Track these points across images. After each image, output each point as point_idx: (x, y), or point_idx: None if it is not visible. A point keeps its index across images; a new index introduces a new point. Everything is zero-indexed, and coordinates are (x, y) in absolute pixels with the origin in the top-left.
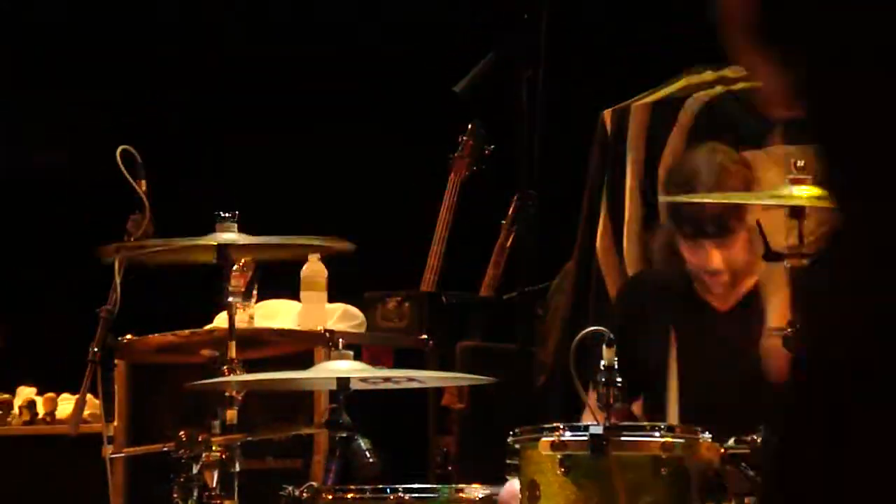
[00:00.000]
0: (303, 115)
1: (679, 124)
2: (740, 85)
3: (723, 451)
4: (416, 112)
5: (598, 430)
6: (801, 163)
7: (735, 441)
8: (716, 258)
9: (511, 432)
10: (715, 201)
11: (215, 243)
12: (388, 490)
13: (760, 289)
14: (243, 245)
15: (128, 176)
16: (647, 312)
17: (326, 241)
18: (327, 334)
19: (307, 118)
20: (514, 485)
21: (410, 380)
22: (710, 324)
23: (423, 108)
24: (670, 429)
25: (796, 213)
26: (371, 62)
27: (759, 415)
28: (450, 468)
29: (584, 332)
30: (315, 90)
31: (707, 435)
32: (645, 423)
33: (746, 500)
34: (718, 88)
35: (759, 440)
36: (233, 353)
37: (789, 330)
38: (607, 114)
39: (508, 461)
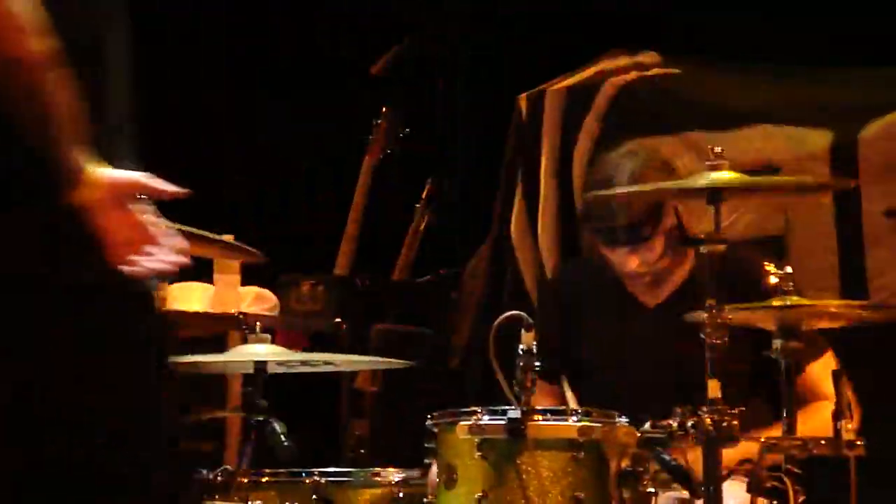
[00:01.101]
0: (217, 96)
1: (594, 109)
2: (655, 70)
3: (639, 435)
4: (331, 94)
5: (516, 413)
6: (718, 148)
7: (651, 425)
8: (633, 262)
9: (429, 416)
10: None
11: None
12: (304, 473)
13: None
14: None
15: None
16: (581, 301)
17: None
18: (241, 317)
19: (222, 99)
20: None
21: (327, 363)
22: (640, 317)
23: (338, 91)
24: (587, 413)
25: (714, 198)
26: (287, 44)
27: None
28: (362, 451)
29: (503, 315)
30: (231, 71)
31: (624, 419)
32: (562, 408)
33: (663, 483)
34: (633, 74)
35: (675, 425)
36: None
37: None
38: (523, 98)
39: (426, 445)
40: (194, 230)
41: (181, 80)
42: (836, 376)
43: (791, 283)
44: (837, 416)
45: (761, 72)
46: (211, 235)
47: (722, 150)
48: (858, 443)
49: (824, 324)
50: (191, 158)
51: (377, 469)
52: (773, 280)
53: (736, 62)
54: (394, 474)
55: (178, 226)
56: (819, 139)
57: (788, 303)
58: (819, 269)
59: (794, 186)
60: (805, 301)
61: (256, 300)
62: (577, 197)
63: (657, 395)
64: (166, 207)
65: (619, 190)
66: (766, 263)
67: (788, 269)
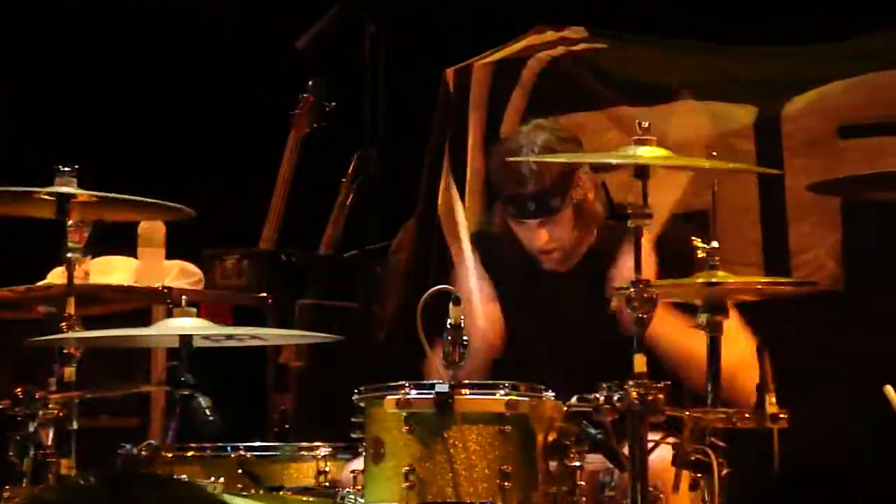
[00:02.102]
0: (144, 70)
1: (521, 84)
2: (581, 46)
3: (566, 409)
4: (257, 67)
5: (444, 388)
6: (645, 123)
7: (577, 399)
8: (542, 236)
9: (356, 390)
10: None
11: (54, 195)
12: (229, 448)
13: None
14: (83, 201)
15: None
16: (494, 277)
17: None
18: (165, 291)
19: (149, 73)
20: None
21: (254, 337)
22: (552, 286)
23: (264, 64)
24: (514, 387)
25: (641, 172)
26: (213, 17)
27: (601, 375)
28: (287, 426)
29: (431, 290)
30: (158, 44)
31: (550, 393)
32: (489, 382)
33: (587, 456)
34: (560, 49)
35: (600, 399)
36: (71, 309)
37: (631, 289)
38: (450, 72)
39: (353, 419)
40: (118, 195)
41: (109, 53)
42: (759, 350)
43: (717, 258)
44: (761, 389)
45: (686, 48)
46: (138, 199)
47: (649, 124)
48: (782, 416)
49: (748, 297)
50: (117, 131)
51: (302, 443)
52: (699, 255)
53: (661, 38)
54: (319, 449)
55: (100, 194)
56: (743, 115)
57: (714, 279)
58: (743, 243)
59: (720, 169)
60: (731, 277)
61: (181, 274)
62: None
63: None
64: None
65: (552, 158)
66: (693, 238)
67: (715, 244)
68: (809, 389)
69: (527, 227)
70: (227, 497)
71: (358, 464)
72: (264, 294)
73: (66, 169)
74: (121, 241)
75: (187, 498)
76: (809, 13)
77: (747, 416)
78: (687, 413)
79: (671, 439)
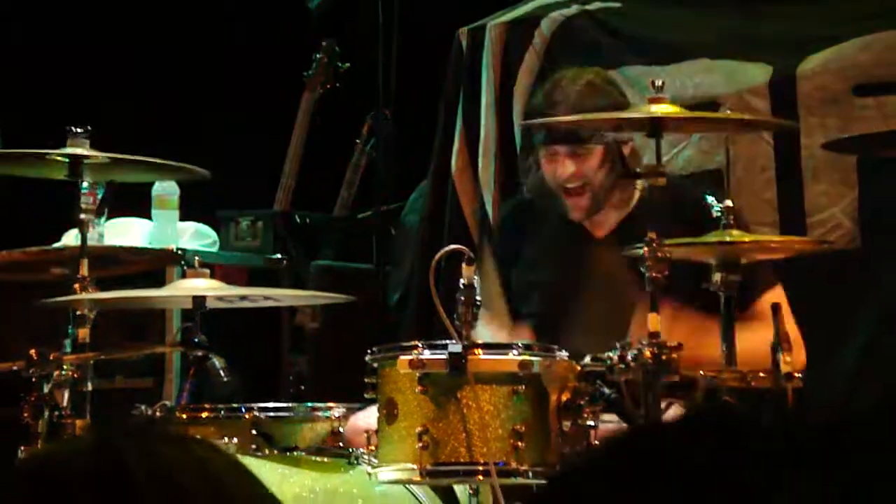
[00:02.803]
0: (158, 31)
1: (534, 43)
2: (595, 5)
3: (579, 368)
4: (270, 29)
5: (457, 348)
6: (658, 81)
7: (591, 359)
8: (569, 167)
9: (369, 351)
10: (573, 119)
11: (67, 157)
12: (243, 409)
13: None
14: (95, 162)
15: None
16: (527, 238)
17: (184, 166)
18: (180, 253)
19: (163, 35)
20: (358, 420)
21: (267, 298)
22: (588, 249)
23: (277, 26)
24: (527, 347)
25: (656, 131)
26: None
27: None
28: (303, 387)
29: (443, 250)
30: (172, 5)
31: (564, 353)
32: (503, 342)
33: (601, 416)
34: (574, 8)
35: (615, 358)
36: (85, 270)
37: (644, 248)
38: (463, 33)
39: (366, 380)
40: (131, 157)
41: (122, 13)
42: (774, 309)
43: (731, 218)
44: (776, 348)
45: (701, 6)
46: (151, 160)
47: (662, 83)
48: (796, 375)
49: (763, 255)
50: (132, 92)
51: (317, 404)
52: (714, 214)
53: None
54: (333, 409)
55: (112, 155)
56: (758, 73)
57: (728, 238)
58: (758, 203)
59: (735, 123)
60: (745, 237)
61: (195, 236)
62: (518, 132)
63: (609, 327)
64: (108, 138)
65: (562, 119)
66: (707, 197)
67: (728, 203)
68: (826, 349)
69: (555, 159)
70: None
71: (366, 417)
72: (279, 255)
73: (79, 130)
74: (136, 203)
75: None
76: None
77: (762, 375)
78: (701, 373)
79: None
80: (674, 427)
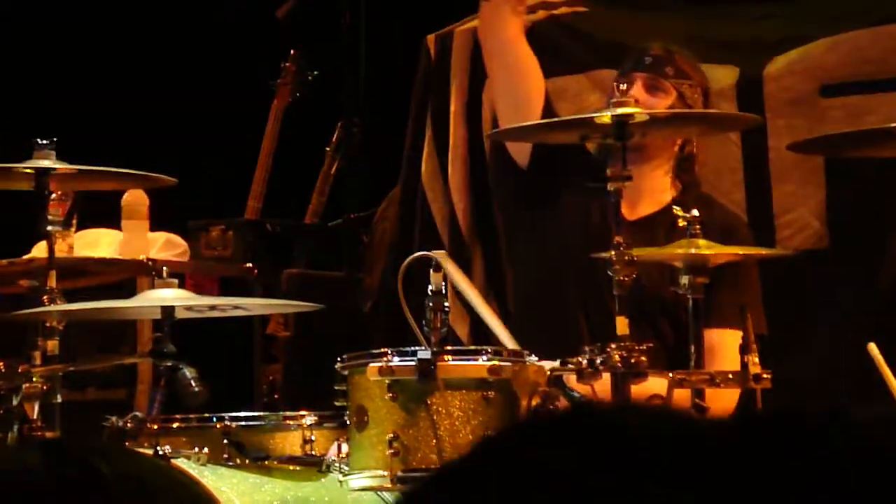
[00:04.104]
0: (125, 40)
1: None
2: (562, 9)
3: (549, 373)
4: (238, 38)
5: (426, 354)
6: (623, 86)
7: (561, 363)
8: (640, 93)
9: (339, 358)
10: (540, 123)
11: (33, 170)
12: (214, 419)
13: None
14: (62, 173)
15: None
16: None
17: (149, 175)
18: (150, 263)
19: (130, 44)
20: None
21: (236, 307)
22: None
23: (245, 34)
24: (497, 352)
25: (621, 133)
26: None
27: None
28: (276, 396)
29: (411, 256)
30: (138, 15)
31: (534, 358)
32: (471, 348)
33: None
34: (540, 13)
35: (584, 362)
36: (53, 282)
37: (611, 253)
38: (431, 39)
39: (336, 387)
40: (97, 168)
41: (87, 24)
42: (742, 311)
43: (698, 227)
44: (744, 349)
45: (667, 9)
46: (116, 170)
47: (627, 86)
48: (765, 376)
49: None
50: (100, 103)
51: (288, 412)
52: (680, 223)
53: (642, 0)
54: (306, 417)
55: (79, 167)
56: (725, 75)
57: (694, 248)
58: (727, 204)
59: (699, 121)
60: (713, 248)
61: (166, 246)
62: (486, 138)
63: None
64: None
65: (524, 125)
66: (673, 207)
67: (695, 213)
68: (793, 348)
69: (629, 82)
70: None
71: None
72: (250, 264)
73: (45, 142)
74: (106, 214)
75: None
76: None
77: (730, 376)
78: (670, 375)
79: (656, 400)
80: (539, 428)
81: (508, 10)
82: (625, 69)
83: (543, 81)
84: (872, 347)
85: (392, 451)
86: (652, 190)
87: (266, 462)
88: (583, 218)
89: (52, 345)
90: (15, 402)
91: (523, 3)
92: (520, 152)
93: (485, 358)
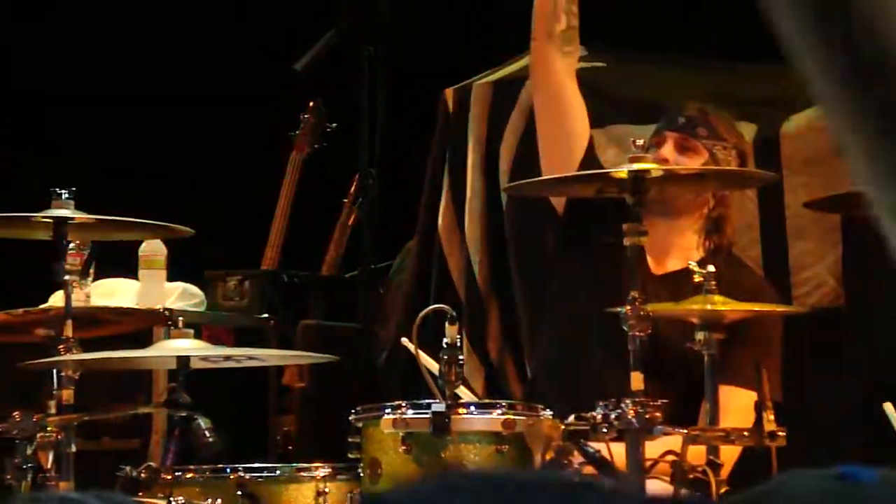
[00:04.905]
0: (143, 92)
1: (520, 103)
2: (581, 64)
3: (563, 427)
4: (256, 89)
5: (440, 407)
6: (640, 141)
7: (575, 418)
8: (669, 152)
9: (353, 410)
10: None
11: (51, 219)
12: (228, 469)
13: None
14: (80, 223)
15: None
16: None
17: (167, 225)
18: (166, 313)
19: (147, 95)
20: None
21: (251, 358)
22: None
23: (264, 86)
24: (512, 406)
25: (637, 188)
26: (212, 39)
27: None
28: (290, 447)
29: (427, 309)
30: (157, 67)
31: (548, 412)
32: (486, 401)
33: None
34: None
35: (598, 417)
36: (69, 331)
37: (627, 308)
38: (449, 92)
39: (350, 439)
40: (115, 218)
41: (108, 74)
42: (757, 367)
43: (713, 283)
44: (759, 406)
45: (686, 66)
46: (134, 220)
47: (644, 141)
48: (780, 433)
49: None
50: (118, 154)
51: (302, 464)
52: (696, 279)
53: (661, 56)
54: (319, 469)
55: (97, 217)
56: (742, 132)
57: (710, 305)
58: (745, 260)
59: (716, 177)
60: (729, 304)
61: (182, 296)
62: (503, 191)
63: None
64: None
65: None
66: (688, 262)
67: (711, 268)
68: (809, 406)
69: (660, 144)
70: None
71: None
72: (266, 315)
73: (63, 192)
74: (124, 263)
75: None
76: None
77: (745, 434)
78: (685, 431)
79: (670, 457)
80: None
81: (554, 49)
82: (658, 128)
83: (588, 125)
84: (888, 407)
85: None
86: (681, 247)
87: None
88: (611, 269)
89: (68, 394)
90: (29, 452)
91: (571, 44)
92: (558, 199)
93: (499, 411)
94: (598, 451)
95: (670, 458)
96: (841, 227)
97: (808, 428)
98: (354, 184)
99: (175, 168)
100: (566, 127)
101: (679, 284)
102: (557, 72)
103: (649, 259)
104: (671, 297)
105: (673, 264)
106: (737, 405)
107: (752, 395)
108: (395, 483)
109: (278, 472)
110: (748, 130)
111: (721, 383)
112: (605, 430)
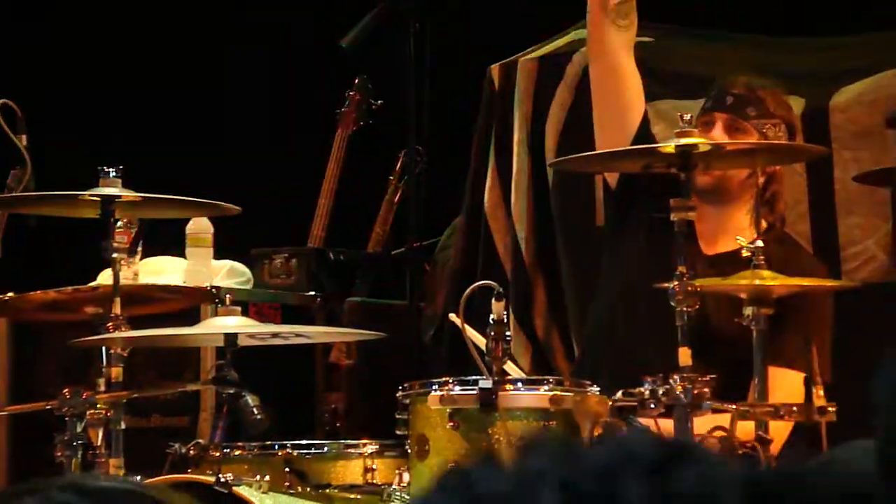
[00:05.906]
0: (192, 70)
1: (566, 79)
2: None
3: (611, 403)
4: (303, 66)
5: (487, 383)
6: (687, 115)
7: (623, 394)
8: (720, 135)
9: (400, 387)
10: (593, 154)
11: (99, 198)
12: (276, 446)
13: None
14: (128, 201)
15: (8, 131)
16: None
17: (214, 203)
18: (214, 291)
19: (196, 74)
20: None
21: (298, 335)
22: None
23: (310, 63)
24: (559, 382)
25: (685, 164)
26: (257, 16)
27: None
28: (338, 424)
29: (473, 285)
30: (201, 45)
31: (595, 388)
32: (533, 377)
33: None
34: None
35: (646, 393)
36: (117, 309)
37: (674, 283)
38: (495, 68)
39: (397, 416)
40: (162, 196)
41: (153, 54)
42: (807, 343)
43: (762, 258)
44: (809, 382)
45: (733, 40)
46: (181, 198)
47: (691, 116)
48: (830, 409)
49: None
50: (166, 132)
51: (349, 441)
52: (744, 253)
53: (707, 31)
54: (367, 446)
55: (144, 195)
56: (791, 106)
57: (758, 280)
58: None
59: (765, 152)
60: (778, 279)
61: (229, 274)
62: (549, 167)
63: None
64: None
65: (579, 155)
66: (736, 237)
67: (759, 244)
68: (859, 383)
69: (708, 127)
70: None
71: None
72: (313, 292)
73: (111, 170)
74: (171, 242)
75: None
76: (858, 2)
77: (795, 409)
78: (734, 406)
79: (718, 433)
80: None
81: (609, 22)
82: (706, 106)
83: (644, 99)
84: None
85: None
86: (733, 229)
87: (327, 490)
88: (663, 245)
89: (117, 372)
90: (79, 429)
91: (627, 17)
92: (611, 174)
93: (546, 388)
94: (647, 427)
95: (719, 433)
96: (891, 200)
97: (858, 404)
98: (400, 161)
99: (222, 146)
100: (622, 101)
101: (730, 264)
102: (612, 44)
103: (701, 241)
104: (720, 277)
105: (724, 245)
106: (786, 386)
107: (800, 377)
108: (442, 459)
109: (326, 448)
110: (796, 104)
111: (770, 365)
112: (652, 405)
